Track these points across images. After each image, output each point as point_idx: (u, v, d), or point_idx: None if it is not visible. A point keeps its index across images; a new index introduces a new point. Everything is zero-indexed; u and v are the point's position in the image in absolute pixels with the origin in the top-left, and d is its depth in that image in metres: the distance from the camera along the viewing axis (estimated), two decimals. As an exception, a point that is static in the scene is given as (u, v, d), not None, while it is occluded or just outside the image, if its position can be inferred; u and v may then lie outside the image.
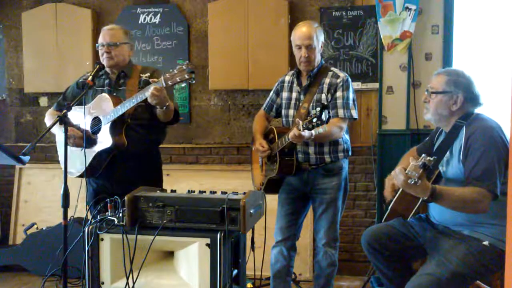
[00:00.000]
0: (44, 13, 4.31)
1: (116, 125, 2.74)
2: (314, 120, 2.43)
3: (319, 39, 2.83)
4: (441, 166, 2.44)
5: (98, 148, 2.76)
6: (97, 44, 2.91)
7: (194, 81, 2.51)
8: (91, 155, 2.76)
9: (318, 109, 2.43)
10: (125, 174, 2.82)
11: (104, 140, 2.73)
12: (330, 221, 2.88)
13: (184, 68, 2.44)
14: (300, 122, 2.48)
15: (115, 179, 2.86)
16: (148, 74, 2.91)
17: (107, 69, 2.92)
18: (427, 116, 2.52)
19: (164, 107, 2.65)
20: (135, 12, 4.24)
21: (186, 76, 2.44)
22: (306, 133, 2.49)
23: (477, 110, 2.44)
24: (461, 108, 2.41)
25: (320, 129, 2.44)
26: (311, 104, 2.82)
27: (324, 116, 2.41)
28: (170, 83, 2.49)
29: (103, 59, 2.87)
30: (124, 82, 2.90)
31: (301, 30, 2.81)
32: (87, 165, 2.75)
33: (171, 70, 2.50)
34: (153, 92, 2.52)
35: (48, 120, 3.06)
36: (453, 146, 2.40)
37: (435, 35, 3.83)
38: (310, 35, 2.78)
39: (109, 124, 2.71)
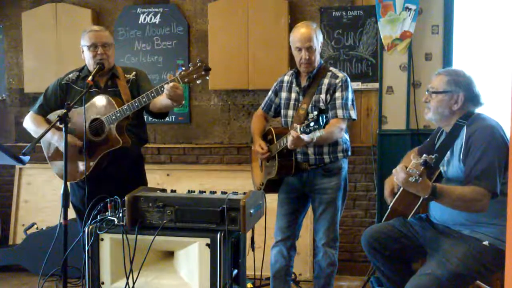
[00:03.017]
0: (44, 13, 4.31)
1: (120, 125, 2.75)
2: (312, 124, 2.41)
3: (319, 39, 2.83)
4: (442, 166, 2.44)
5: (103, 149, 2.76)
6: (85, 45, 2.84)
7: (208, 78, 2.55)
8: (94, 159, 2.77)
9: (315, 113, 2.41)
10: (117, 176, 2.84)
11: (112, 140, 2.73)
12: (329, 221, 2.87)
13: (199, 64, 2.48)
14: (298, 126, 2.48)
15: (106, 181, 2.81)
16: (134, 72, 2.94)
17: (90, 70, 2.85)
18: (428, 116, 2.52)
19: (180, 105, 2.67)
20: (135, 12, 4.24)
21: (203, 73, 2.48)
22: (305, 137, 2.48)
23: (478, 110, 2.45)
24: (462, 107, 2.41)
25: (317, 133, 2.43)
26: (310, 105, 2.81)
27: (321, 120, 2.39)
28: (186, 81, 2.51)
29: (96, 60, 2.81)
30: (112, 83, 2.90)
31: (301, 32, 2.80)
32: (90, 170, 2.78)
33: (184, 68, 2.54)
34: (173, 88, 2.51)
35: (29, 124, 2.95)
36: (454, 145, 2.40)
37: (435, 35, 3.83)
38: (310, 36, 2.77)
39: (115, 124, 2.71)
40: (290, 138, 2.53)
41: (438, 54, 3.84)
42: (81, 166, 2.83)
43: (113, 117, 2.71)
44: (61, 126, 2.50)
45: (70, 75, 2.96)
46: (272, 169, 2.83)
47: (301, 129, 2.45)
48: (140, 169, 3.06)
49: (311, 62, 2.81)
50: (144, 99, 2.65)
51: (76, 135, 2.78)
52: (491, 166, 2.22)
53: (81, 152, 2.78)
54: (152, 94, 2.64)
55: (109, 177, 2.84)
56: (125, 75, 2.93)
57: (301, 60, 2.81)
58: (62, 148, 2.80)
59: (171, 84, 2.52)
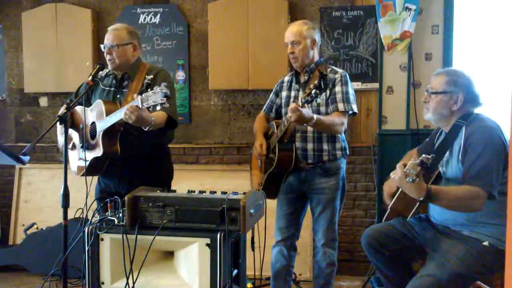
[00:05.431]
0: (44, 13, 4.31)
1: (109, 134, 2.67)
2: (313, 91, 2.40)
3: (309, 36, 2.83)
4: (441, 166, 2.44)
5: (92, 154, 2.73)
6: (101, 45, 2.88)
7: (167, 105, 2.38)
8: (88, 159, 2.74)
9: (316, 82, 2.41)
10: (129, 175, 2.81)
11: (97, 147, 2.70)
12: (328, 222, 2.87)
13: (159, 91, 2.33)
14: (299, 97, 2.48)
15: (119, 179, 2.85)
16: (151, 76, 2.85)
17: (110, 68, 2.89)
18: (427, 116, 2.52)
19: (147, 128, 2.54)
20: (135, 12, 4.24)
21: (160, 101, 2.33)
22: (305, 110, 2.48)
23: (477, 110, 2.45)
24: (461, 108, 2.41)
25: (318, 100, 2.44)
26: None
27: (322, 84, 2.37)
28: (145, 105, 2.37)
29: (107, 61, 2.84)
30: (127, 83, 2.86)
31: (289, 28, 2.88)
32: (85, 169, 2.75)
33: (148, 90, 2.40)
34: (126, 112, 2.42)
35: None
36: (453, 146, 2.40)
37: (435, 35, 3.83)
38: (295, 32, 2.82)
39: (101, 133, 2.65)
40: (288, 108, 2.54)
41: (438, 54, 3.84)
42: (81, 162, 2.83)
43: (101, 124, 2.66)
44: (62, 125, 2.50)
45: (100, 72, 2.93)
46: (272, 162, 2.83)
47: (303, 100, 2.46)
48: (156, 171, 2.91)
49: (296, 56, 2.83)
50: (118, 114, 2.53)
51: (79, 133, 2.80)
52: (487, 167, 2.21)
53: (82, 149, 2.79)
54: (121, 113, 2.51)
55: (125, 177, 2.82)
56: (146, 76, 2.85)
57: (289, 55, 2.85)
58: (74, 138, 2.84)
59: (128, 105, 2.43)
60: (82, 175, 2.84)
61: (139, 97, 2.38)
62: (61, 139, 2.89)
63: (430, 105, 2.46)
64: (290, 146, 2.79)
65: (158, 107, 2.36)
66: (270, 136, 2.94)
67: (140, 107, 2.38)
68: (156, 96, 2.34)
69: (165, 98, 2.32)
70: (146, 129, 2.55)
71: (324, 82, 2.37)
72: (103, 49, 2.86)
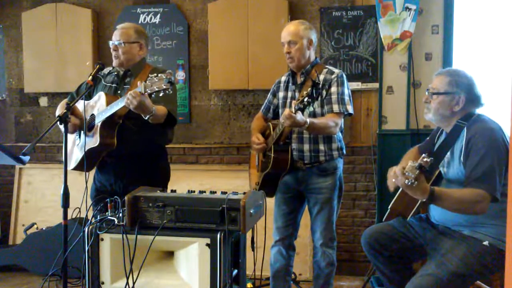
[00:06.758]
0: (44, 13, 4.31)
1: (107, 126, 2.68)
2: (306, 99, 2.42)
3: (305, 36, 2.82)
4: (442, 167, 2.43)
5: (88, 145, 2.74)
6: (110, 41, 2.89)
7: (170, 92, 2.43)
8: (83, 151, 2.75)
9: (309, 89, 2.43)
10: (125, 173, 2.81)
11: (94, 138, 2.71)
12: (326, 221, 2.87)
13: (164, 77, 2.37)
14: (292, 103, 2.50)
15: (115, 178, 2.84)
16: (155, 75, 2.86)
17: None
18: (428, 116, 2.51)
19: (147, 117, 2.54)
20: (135, 12, 4.24)
21: (164, 86, 2.36)
22: (298, 116, 2.49)
23: (478, 110, 2.44)
24: (463, 109, 2.40)
25: (311, 108, 2.46)
26: None
27: (314, 93, 2.40)
28: (148, 91, 2.40)
29: (112, 57, 2.86)
30: (129, 80, 2.87)
31: (286, 27, 2.87)
32: (79, 160, 2.77)
33: (151, 77, 2.42)
34: (128, 96, 2.43)
35: (58, 111, 2.98)
36: (454, 147, 2.40)
37: (435, 35, 3.84)
38: (292, 32, 2.81)
39: (100, 124, 2.68)
40: (282, 115, 2.56)
41: (438, 54, 3.84)
42: (73, 156, 2.85)
43: (100, 115, 2.68)
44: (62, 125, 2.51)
45: (105, 69, 2.96)
46: (268, 163, 2.83)
47: (296, 107, 2.47)
48: (151, 171, 2.90)
49: (292, 56, 2.82)
50: (119, 103, 2.55)
51: (79, 127, 2.81)
52: (490, 169, 2.21)
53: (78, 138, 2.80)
54: (122, 101, 2.53)
55: (120, 175, 2.82)
56: (149, 75, 2.85)
57: (285, 55, 2.85)
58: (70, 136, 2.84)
59: (131, 91, 2.44)
60: (73, 169, 2.85)
61: (143, 83, 2.40)
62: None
63: (432, 106, 2.46)
64: (286, 148, 2.80)
65: (161, 93, 2.39)
66: (267, 137, 2.94)
67: (143, 93, 2.40)
68: (160, 82, 2.37)
69: (169, 84, 2.35)
70: (146, 118, 2.56)
71: (316, 91, 2.40)
72: (110, 46, 2.87)
